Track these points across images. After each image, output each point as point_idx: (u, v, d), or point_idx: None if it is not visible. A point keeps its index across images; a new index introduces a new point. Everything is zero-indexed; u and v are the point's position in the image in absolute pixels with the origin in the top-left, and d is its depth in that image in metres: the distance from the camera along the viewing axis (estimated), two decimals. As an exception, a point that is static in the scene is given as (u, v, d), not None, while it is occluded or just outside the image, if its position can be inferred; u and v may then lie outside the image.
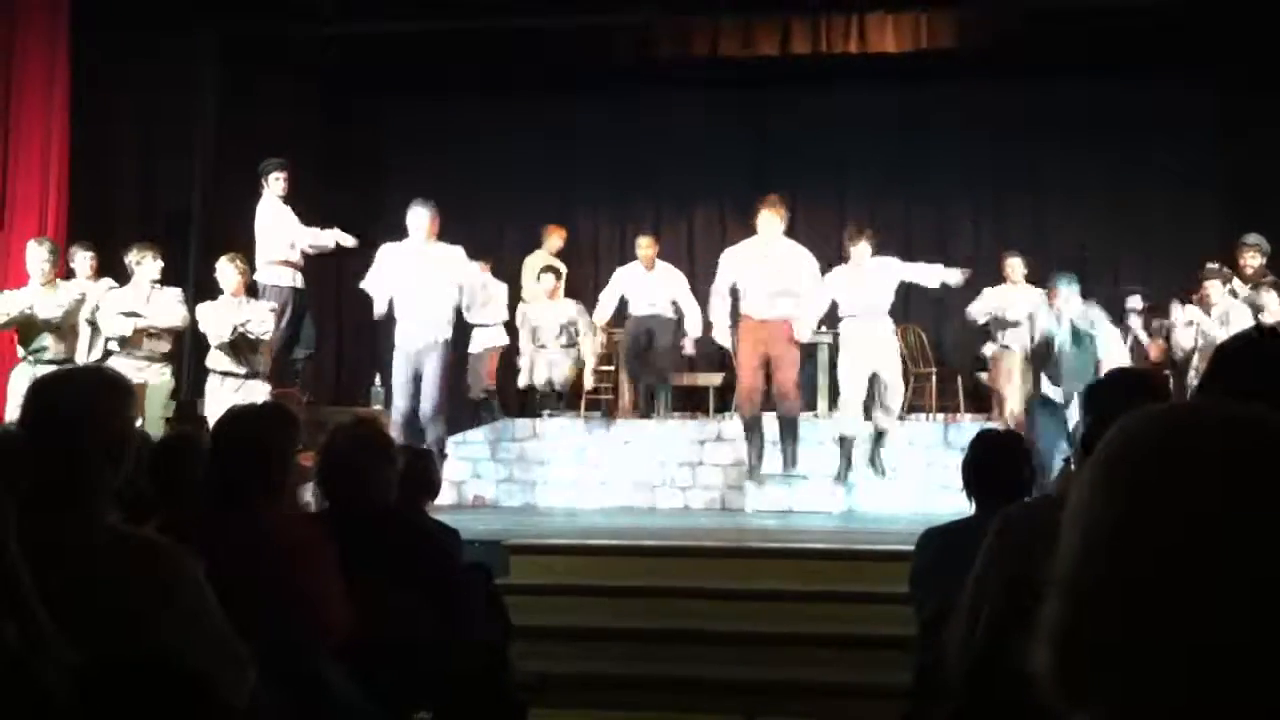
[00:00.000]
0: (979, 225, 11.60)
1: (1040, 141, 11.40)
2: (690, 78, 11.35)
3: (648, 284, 9.73)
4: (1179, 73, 10.63)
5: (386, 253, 8.10)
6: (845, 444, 8.45)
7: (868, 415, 8.37)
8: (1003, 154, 11.54)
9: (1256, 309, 8.08)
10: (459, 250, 8.17)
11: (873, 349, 8.24)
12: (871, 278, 8.31)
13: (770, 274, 8.21)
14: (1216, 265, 8.50)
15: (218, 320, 7.89)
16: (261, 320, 7.97)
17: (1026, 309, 8.43)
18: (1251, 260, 8.48)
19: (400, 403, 7.89)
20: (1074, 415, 7.22)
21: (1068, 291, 7.84)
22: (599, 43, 10.86)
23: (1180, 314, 8.39)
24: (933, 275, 8.53)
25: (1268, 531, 0.72)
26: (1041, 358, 7.84)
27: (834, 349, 8.88)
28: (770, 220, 8.29)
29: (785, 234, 8.45)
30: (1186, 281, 8.66)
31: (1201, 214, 10.68)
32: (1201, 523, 0.73)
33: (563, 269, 10.52)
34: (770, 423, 8.45)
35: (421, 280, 7.92)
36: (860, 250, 8.29)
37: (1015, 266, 9.52)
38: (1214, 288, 8.27)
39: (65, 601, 1.72)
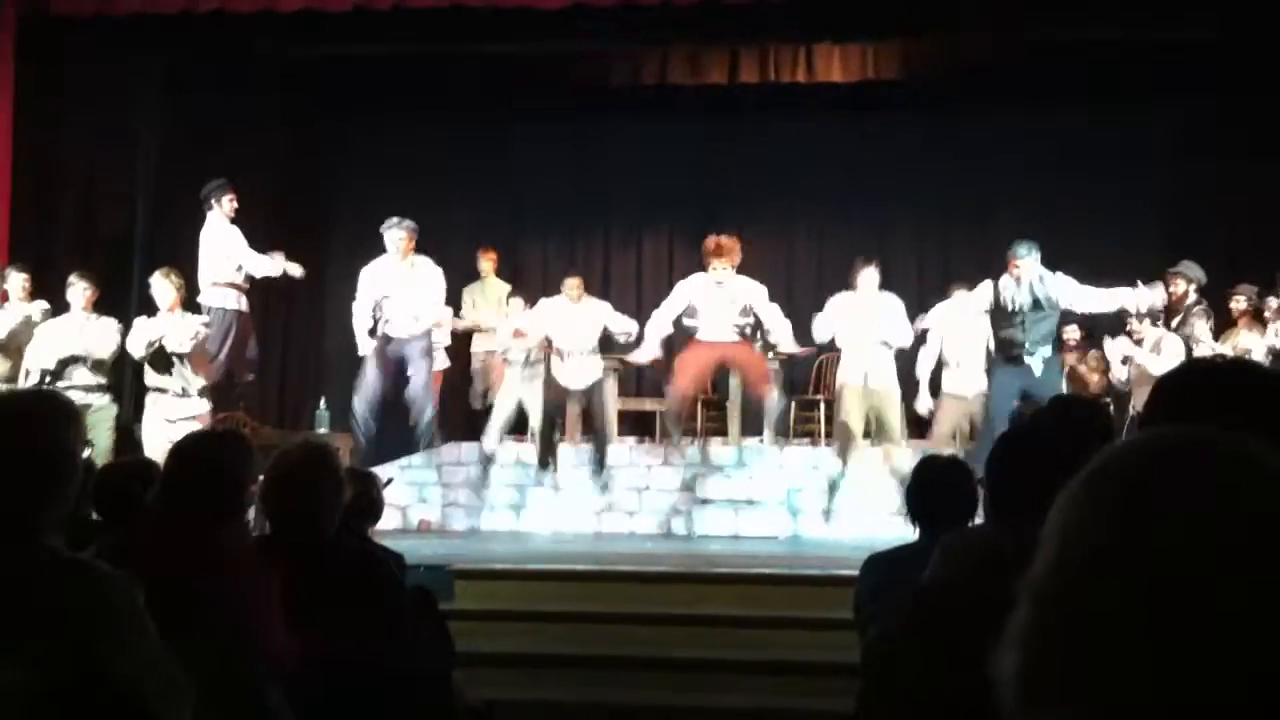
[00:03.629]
0: (923, 253, 11.70)
1: (986, 171, 11.52)
2: (640, 105, 11.39)
3: (573, 319, 9.12)
4: (1123, 102, 10.80)
5: (367, 275, 8.38)
6: (900, 477, 7.69)
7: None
8: (949, 183, 11.67)
9: (1189, 339, 8.20)
10: (439, 272, 8.51)
11: (873, 385, 8.09)
12: (873, 309, 8.14)
13: (727, 308, 8.22)
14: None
15: (135, 336, 7.76)
16: (179, 333, 7.73)
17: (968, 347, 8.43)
18: (1175, 289, 8.58)
19: (370, 374, 8.25)
20: (1036, 369, 7.66)
21: (1029, 261, 7.79)
22: (552, 69, 10.87)
23: (1112, 348, 8.44)
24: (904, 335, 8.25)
25: (1246, 543, 0.77)
26: (1001, 321, 7.85)
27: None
28: (728, 259, 8.24)
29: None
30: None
31: (1142, 241, 10.81)
32: (1183, 536, 0.78)
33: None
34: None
35: (407, 287, 8.31)
36: (866, 278, 8.11)
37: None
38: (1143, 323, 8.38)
39: (6, 628, 1.70)
